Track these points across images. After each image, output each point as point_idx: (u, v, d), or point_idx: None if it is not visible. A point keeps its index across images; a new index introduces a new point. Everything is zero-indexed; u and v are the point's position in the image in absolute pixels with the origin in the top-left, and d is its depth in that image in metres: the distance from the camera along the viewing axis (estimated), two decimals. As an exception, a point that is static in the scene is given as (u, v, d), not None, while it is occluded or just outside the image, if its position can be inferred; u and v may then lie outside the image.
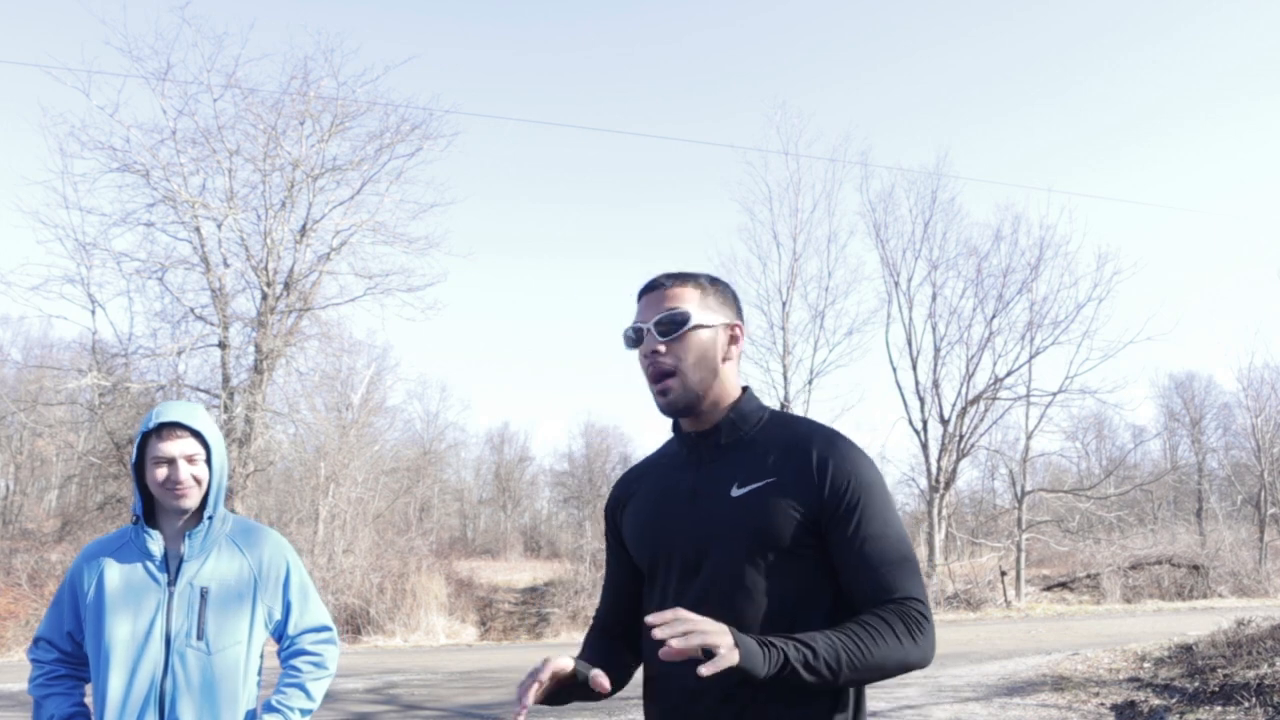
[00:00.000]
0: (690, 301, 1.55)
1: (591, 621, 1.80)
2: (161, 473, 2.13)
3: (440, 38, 52.95)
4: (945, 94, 54.32)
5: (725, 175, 62.31)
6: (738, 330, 1.60)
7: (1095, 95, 54.67)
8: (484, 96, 55.03)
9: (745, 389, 1.62)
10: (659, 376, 1.53)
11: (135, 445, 2.15)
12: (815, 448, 1.49)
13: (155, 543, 2.16)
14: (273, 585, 2.24)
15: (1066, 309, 22.20)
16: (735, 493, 1.50)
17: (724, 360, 1.57)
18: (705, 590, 1.48)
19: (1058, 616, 18.72)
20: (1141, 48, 54.14)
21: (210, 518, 2.19)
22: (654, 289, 1.58)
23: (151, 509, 2.20)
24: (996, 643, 13.01)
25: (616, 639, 1.71)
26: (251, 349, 17.52)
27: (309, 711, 2.27)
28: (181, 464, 2.13)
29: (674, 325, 1.53)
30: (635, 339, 1.58)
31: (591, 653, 1.64)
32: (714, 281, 1.61)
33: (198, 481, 2.16)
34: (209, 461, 2.19)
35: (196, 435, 2.16)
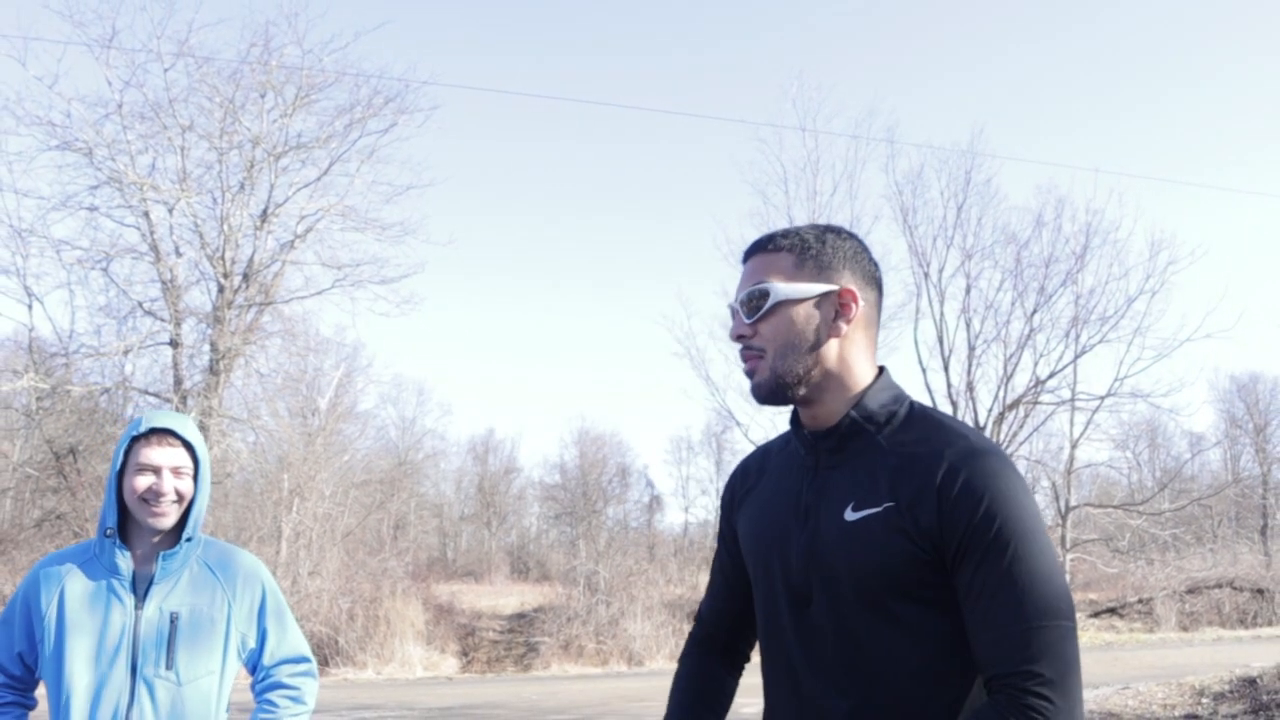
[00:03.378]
0: (779, 271, 1.47)
1: (691, 629, 1.77)
2: (144, 481, 2.15)
3: (417, 0, 52.95)
4: (980, 64, 54.38)
5: (735, 154, 62.29)
6: (850, 297, 1.45)
7: (1149, 66, 54.71)
8: (466, 66, 55.04)
9: (881, 371, 1.50)
10: (747, 359, 1.49)
11: (119, 450, 2.19)
12: (945, 463, 1.34)
13: (126, 561, 2.19)
14: (247, 612, 2.28)
15: (1116, 303, 22.18)
16: (849, 516, 1.39)
17: (829, 337, 1.45)
18: (814, 632, 1.42)
19: (1106, 646, 18.78)
20: (1197, 8, 54.18)
21: (189, 539, 2.23)
22: (747, 257, 1.53)
23: (124, 524, 2.22)
24: (1038, 675, 13.02)
25: (716, 660, 1.70)
26: (207, 347, 17.58)
27: None
28: (167, 475, 2.16)
29: (759, 301, 1.46)
30: (731, 317, 1.55)
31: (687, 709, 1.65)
32: (822, 238, 1.49)
33: (180, 498, 2.19)
34: (195, 478, 2.23)
35: (188, 446, 2.20)
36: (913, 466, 1.36)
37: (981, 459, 1.33)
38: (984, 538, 1.29)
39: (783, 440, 1.64)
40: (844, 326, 1.46)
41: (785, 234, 1.51)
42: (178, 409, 17.09)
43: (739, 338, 1.49)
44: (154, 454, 2.16)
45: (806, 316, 1.45)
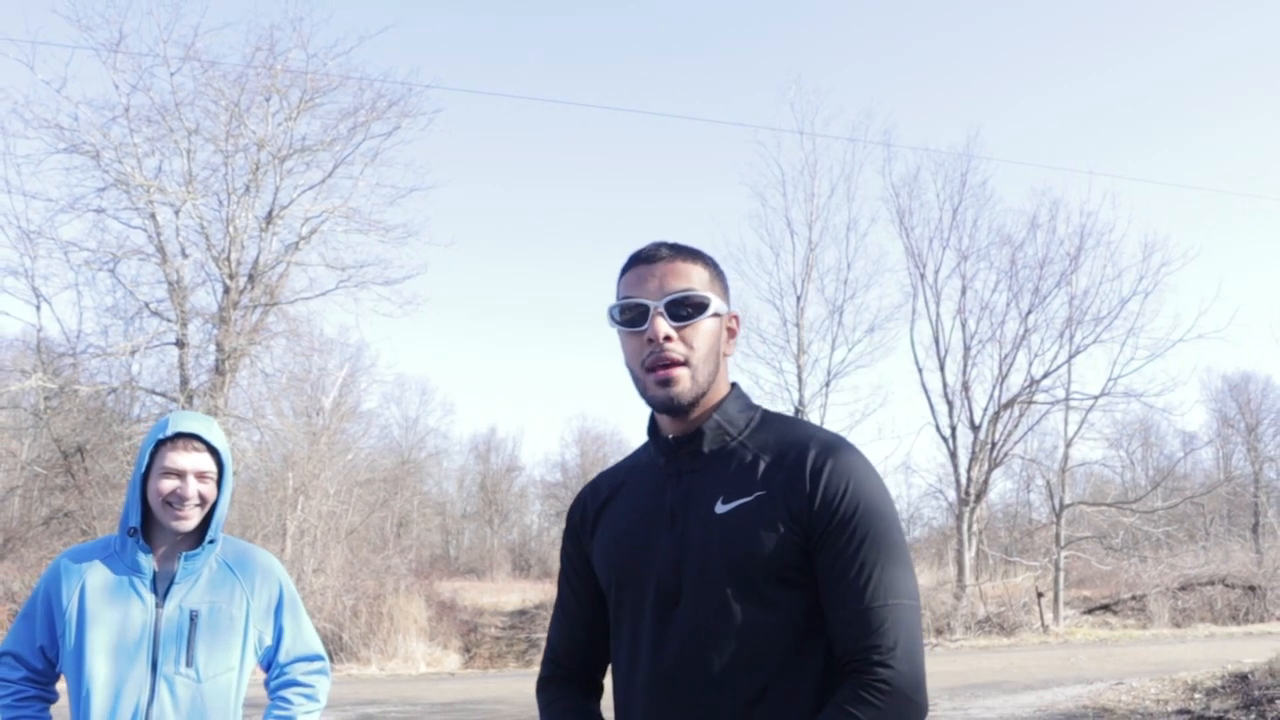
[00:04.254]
0: (701, 282, 1.50)
1: (543, 669, 1.69)
2: (168, 485, 2.17)
3: (420, 5, 52.98)
4: (976, 67, 54.39)
5: (734, 157, 62.35)
6: (735, 323, 1.56)
7: (1143, 68, 54.71)
8: (468, 70, 55.03)
9: (733, 386, 1.57)
10: (665, 365, 1.44)
11: (144, 452, 2.20)
12: (812, 452, 1.43)
13: (149, 560, 2.20)
14: (264, 610, 2.29)
15: (1110, 304, 22.25)
16: (720, 509, 1.44)
17: (724, 355, 1.53)
18: (684, 626, 1.42)
19: (1100, 642, 18.80)
20: (1192, 9, 54.17)
21: (211, 542, 2.24)
22: (653, 260, 1.50)
23: (143, 523, 2.24)
24: (1032, 671, 13.09)
25: (581, 693, 1.64)
26: (212, 348, 17.59)
27: None
28: (192, 480, 2.18)
29: (691, 309, 1.46)
30: (634, 319, 1.48)
31: None
32: (715, 264, 1.56)
33: (203, 501, 2.20)
34: (219, 483, 2.24)
35: (213, 451, 2.22)
36: (781, 457, 1.45)
37: (844, 450, 1.45)
38: (846, 522, 1.38)
39: (629, 463, 1.65)
40: (732, 346, 1.56)
41: (692, 250, 1.55)
42: (184, 408, 17.10)
43: (664, 338, 1.44)
44: (179, 458, 2.17)
45: (718, 332, 1.51)
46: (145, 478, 2.21)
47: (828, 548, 1.38)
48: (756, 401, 1.61)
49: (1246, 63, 53.74)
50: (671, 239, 1.58)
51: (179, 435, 2.18)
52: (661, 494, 1.51)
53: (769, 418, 1.54)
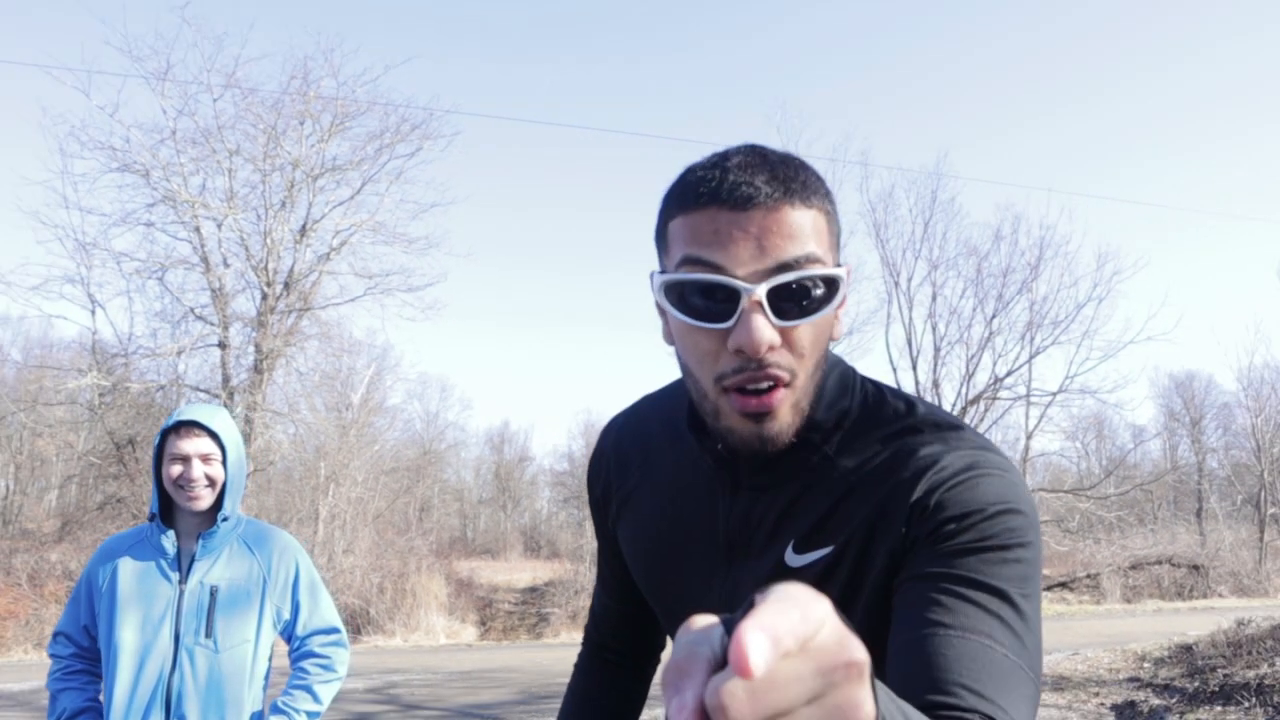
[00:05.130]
0: (821, 241, 0.83)
1: (586, 629, 1.27)
2: (175, 470, 2.17)
3: (441, 37, 52.94)
4: (945, 94, 54.34)
5: (725, 175, 62.17)
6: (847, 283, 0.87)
7: (1095, 96, 54.71)
8: (483, 96, 55.01)
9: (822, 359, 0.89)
10: (763, 390, 0.81)
11: (155, 443, 2.20)
12: (925, 481, 0.83)
13: (169, 541, 2.20)
14: (282, 585, 2.27)
15: (1066, 309, 22.19)
16: (793, 560, 0.90)
17: (833, 340, 0.90)
18: None
19: (1057, 616, 18.74)
20: (1142, 49, 54.17)
21: (225, 519, 2.22)
22: (748, 204, 0.80)
23: (170, 508, 2.24)
24: (996, 643, 13.00)
25: (603, 668, 1.23)
26: (251, 349, 17.54)
27: (316, 715, 2.29)
28: (196, 463, 2.17)
29: (810, 300, 0.81)
30: (711, 306, 0.80)
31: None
32: (829, 192, 0.88)
33: (212, 482, 2.19)
34: (225, 463, 2.22)
35: (214, 436, 2.20)
36: (881, 482, 0.87)
37: (980, 475, 0.84)
38: (948, 536, 0.84)
39: (667, 427, 1.03)
40: (841, 319, 0.91)
41: (805, 176, 0.84)
42: (226, 404, 17.06)
43: (768, 349, 0.79)
44: (182, 444, 2.17)
45: (834, 320, 0.87)
46: (159, 468, 2.20)
47: (913, 563, 0.82)
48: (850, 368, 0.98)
49: (1192, 93, 53.76)
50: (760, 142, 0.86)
51: (181, 424, 2.18)
52: (710, 507, 0.96)
53: (872, 410, 0.93)
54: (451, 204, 30.72)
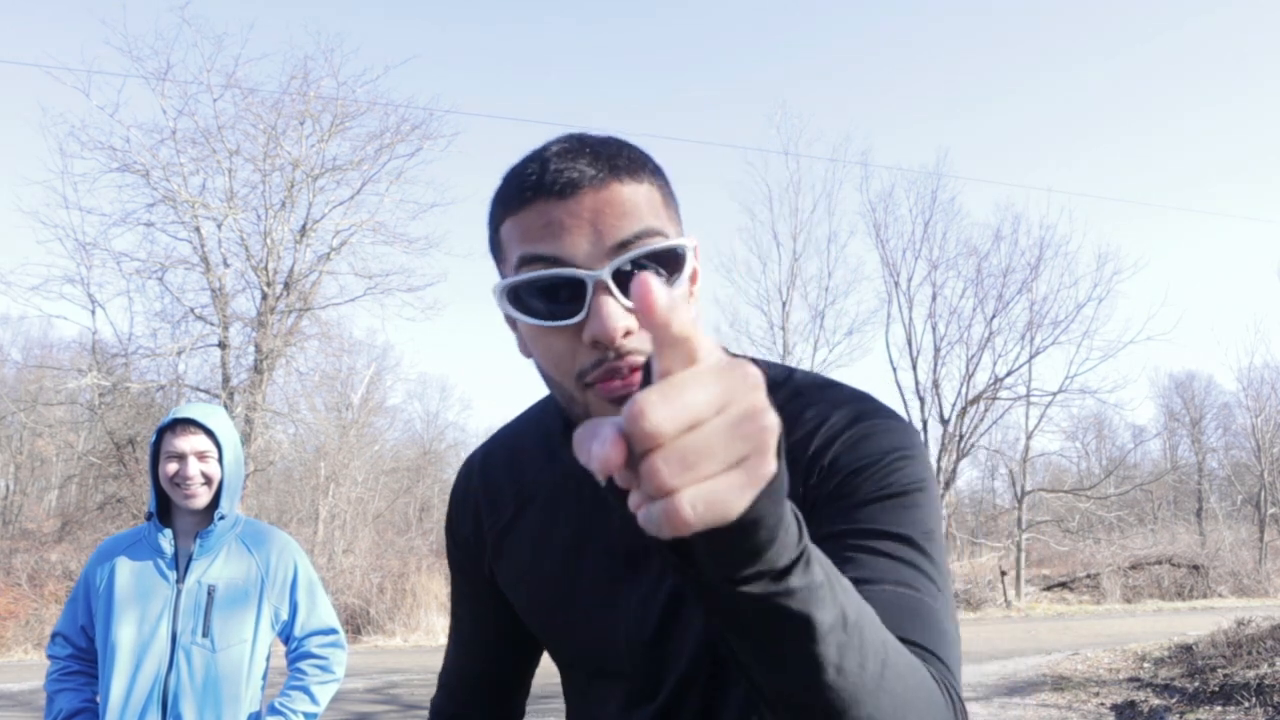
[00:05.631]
0: (657, 213, 0.79)
1: (435, 701, 1.12)
2: (171, 468, 2.16)
3: (441, 37, 52.94)
4: (945, 94, 54.32)
5: (726, 175, 62.28)
6: (697, 257, 0.83)
7: (1094, 95, 54.71)
8: (483, 96, 55.03)
9: None
10: (626, 374, 0.75)
11: (152, 441, 2.19)
12: (818, 439, 0.82)
13: (167, 540, 2.20)
14: (280, 586, 2.26)
15: (1066, 309, 22.20)
16: None
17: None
18: None
19: (1058, 616, 18.74)
20: (1139, 46, 54.17)
21: (222, 517, 2.22)
22: (574, 190, 0.76)
23: (167, 507, 2.23)
24: (996, 643, 13.03)
25: None
26: (251, 349, 17.54)
27: (313, 716, 2.29)
28: (191, 460, 2.16)
29: (661, 273, 0.76)
30: (556, 303, 0.76)
31: None
32: (655, 164, 0.84)
33: (208, 480, 2.19)
34: (221, 461, 2.21)
35: (209, 433, 2.19)
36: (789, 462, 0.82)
37: (867, 419, 0.84)
38: (854, 487, 0.83)
39: (539, 446, 0.97)
40: (697, 293, 0.84)
41: (627, 153, 0.80)
42: (226, 404, 17.07)
43: (625, 333, 0.73)
44: (178, 442, 2.16)
45: (688, 292, 0.81)
46: (157, 467, 2.20)
47: (820, 518, 0.79)
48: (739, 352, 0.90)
49: (1192, 94, 53.77)
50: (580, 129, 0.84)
51: (177, 422, 2.18)
52: (602, 520, 0.89)
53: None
54: (451, 204, 30.79)
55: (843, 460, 0.81)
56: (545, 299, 0.77)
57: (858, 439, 0.82)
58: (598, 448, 0.42)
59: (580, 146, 0.79)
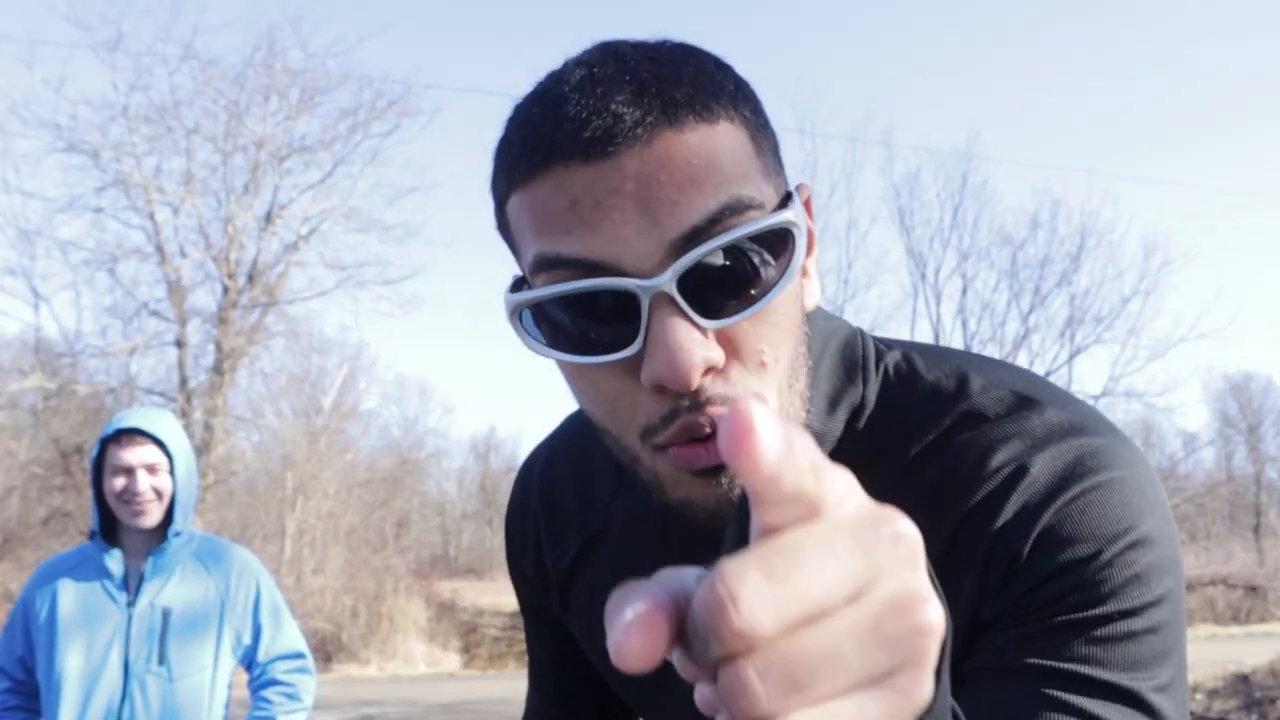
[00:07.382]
0: (749, 172, 0.58)
1: None
2: (119, 483, 2.15)
3: (420, 4, 52.98)
4: (977, 67, 54.38)
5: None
6: (811, 219, 0.65)
7: (1143, 68, 54.73)
8: (467, 69, 55.05)
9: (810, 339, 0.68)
10: (706, 435, 0.56)
11: (94, 454, 2.18)
12: (1011, 507, 0.61)
13: (114, 560, 2.19)
14: (241, 607, 2.27)
15: (1110, 304, 22.22)
16: None
17: (807, 315, 0.67)
18: None
19: (1101, 643, 18.74)
20: (1194, 19, 54.19)
21: (177, 534, 2.21)
22: (608, 145, 0.54)
23: (113, 524, 2.23)
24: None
25: None
26: (211, 348, 17.57)
27: None
28: (141, 474, 2.15)
29: (757, 269, 0.56)
30: (591, 332, 0.57)
31: None
32: (745, 89, 0.66)
33: (159, 494, 2.18)
34: (173, 473, 2.21)
35: (159, 444, 2.19)
36: (930, 499, 0.64)
37: (1090, 481, 0.63)
38: (1054, 599, 0.65)
39: (613, 464, 0.79)
40: (812, 270, 0.68)
41: (691, 66, 0.61)
42: (183, 409, 17.09)
43: (707, 371, 0.55)
44: (124, 454, 2.15)
45: (800, 290, 0.63)
46: (100, 481, 2.19)
47: (998, 631, 0.62)
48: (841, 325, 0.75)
49: (1246, 71, 53.74)
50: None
51: (122, 431, 2.16)
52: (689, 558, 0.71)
53: (900, 395, 0.68)
54: (432, 188, 30.97)
55: (1042, 553, 0.60)
56: (579, 318, 0.56)
57: (1067, 517, 0.60)
58: (626, 633, 0.28)
59: (618, 71, 0.57)
